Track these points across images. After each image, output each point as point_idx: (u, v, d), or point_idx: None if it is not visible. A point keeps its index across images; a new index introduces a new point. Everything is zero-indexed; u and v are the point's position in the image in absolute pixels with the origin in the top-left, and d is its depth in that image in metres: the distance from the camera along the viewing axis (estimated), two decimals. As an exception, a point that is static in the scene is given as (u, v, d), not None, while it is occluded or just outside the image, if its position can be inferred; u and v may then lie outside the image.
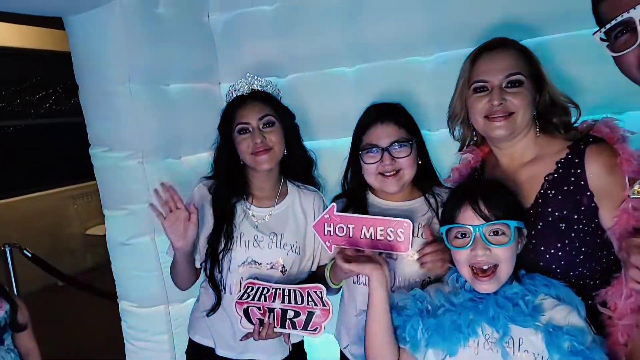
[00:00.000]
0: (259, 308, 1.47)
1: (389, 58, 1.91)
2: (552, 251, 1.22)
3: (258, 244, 1.57)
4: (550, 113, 1.31)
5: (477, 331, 1.11)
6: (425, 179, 1.51)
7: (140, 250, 1.82)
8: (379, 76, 1.93)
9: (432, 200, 1.48)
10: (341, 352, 1.60)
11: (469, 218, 1.14)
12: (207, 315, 1.59)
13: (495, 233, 1.13)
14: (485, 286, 1.13)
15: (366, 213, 1.48)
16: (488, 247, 1.12)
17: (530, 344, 1.07)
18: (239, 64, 2.07)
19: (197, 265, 1.64)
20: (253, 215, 1.62)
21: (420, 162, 1.48)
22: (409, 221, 1.32)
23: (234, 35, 2.10)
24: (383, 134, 1.43)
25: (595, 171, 1.19)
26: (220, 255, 1.56)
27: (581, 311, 1.11)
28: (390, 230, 1.33)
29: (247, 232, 1.58)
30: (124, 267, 1.87)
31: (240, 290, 1.50)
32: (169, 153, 1.86)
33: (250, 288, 1.48)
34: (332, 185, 1.75)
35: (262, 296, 1.47)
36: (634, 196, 1.02)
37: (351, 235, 1.37)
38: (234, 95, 1.64)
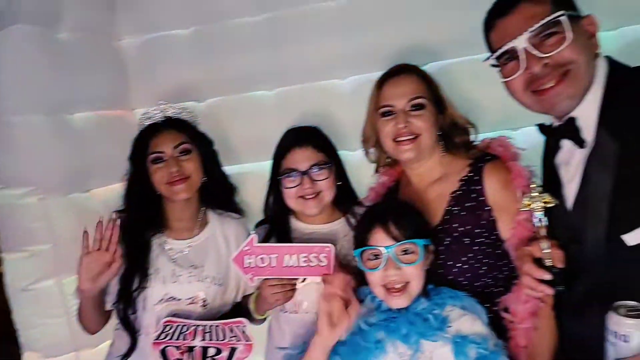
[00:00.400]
0: (177, 347, 1.40)
1: (307, 81, 1.95)
2: (459, 265, 1.28)
3: (176, 279, 1.51)
4: (452, 133, 1.39)
5: (389, 350, 1.13)
6: (345, 199, 1.53)
7: (44, 296, 1.68)
8: (298, 99, 1.96)
9: (352, 221, 1.50)
10: None
11: (380, 239, 1.18)
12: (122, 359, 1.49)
13: (405, 252, 1.17)
14: (398, 301, 1.17)
15: (289, 238, 1.48)
16: (399, 267, 1.16)
17: (441, 357, 1.12)
18: (154, 88, 2.01)
19: (108, 307, 1.54)
20: (170, 249, 1.55)
21: (339, 184, 1.50)
22: (331, 246, 1.34)
23: (148, 59, 2.04)
24: (302, 157, 1.44)
25: (492, 187, 1.28)
26: (134, 295, 1.48)
27: (484, 319, 1.18)
28: (314, 256, 1.33)
29: (163, 267, 1.51)
30: (26, 314, 1.71)
31: (157, 330, 1.42)
32: (75, 187, 1.74)
33: (168, 327, 1.41)
34: (258, 210, 1.70)
35: (181, 334, 1.40)
36: (523, 209, 1.09)
37: (274, 264, 1.36)
38: (147, 123, 1.59)
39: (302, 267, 1.33)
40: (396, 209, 1.25)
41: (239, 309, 1.61)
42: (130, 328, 1.48)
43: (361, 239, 1.22)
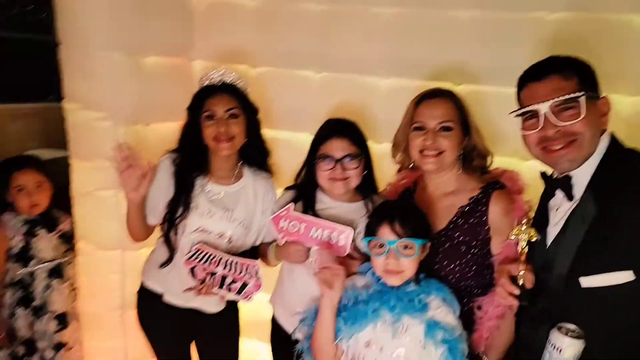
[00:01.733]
0: (203, 269, 1.70)
1: (351, 72, 2.15)
2: (452, 266, 1.54)
3: (211, 217, 1.79)
4: (472, 156, 1.62)
5: (379, 315, 1.41)
6: (366, 187, 1.77)
7: (104, 202, 1.96)
8: (340, 86, 2.16)
9: (369, 206, 1.74)
10: (273, 316, 1.86)
11: (386, 233, 1.42)
12: (160, 267, 1.80)
13: (405, 247, 1.43)
14: (393, 280, 1.44)
15: (314, 207, 1.73)
16: (398, 258, 1.42)
17: (414, 331, 1.39)
18: (215, 45, 2.21)
19: (150, 221, 1.83)
20: (209, 191, 1.82)
21: (365, 173, 1.73)
22: (351, 229, 1.58)
23: (215, 18, 2.22)
24: (338, 147, 1.66)
25: (495, 211, 1.52)
26: (177, 221, 1.77)
27: (457, 313, 1.45)
28: (335, 234, 1.59)
29: (202, 204, 1.79)
30: (87, 213, 2.01)
31: (190, 252, 1.72)
32: (139, 119, 1.99)
33: (200, 252, 1.70)
34: (284, 173, 1.96)
35: (208, 260, 1.70)
36: (513, 236, 1.32)
37: (302, 232, 1.62)
38: (206, 83, 1.81)
39: (324, 241, 1.60)
40: (403, 210, 1.46)
41: (255, 251, 1.90)
42: (170, 245, 1.78)
43: (371, 229, 1.47)
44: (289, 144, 2.19)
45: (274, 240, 1.78)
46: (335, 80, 2.18)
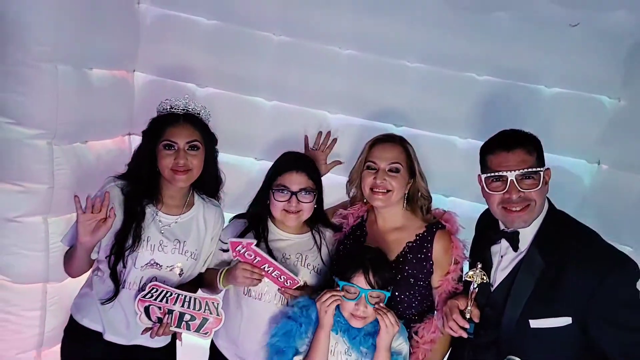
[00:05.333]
0: (159, 308, 1.63)
1: (303, 105, 2.23)
2: (402, 297, 1.71)
3: (162, 249, 1.72)
4: (415, 197, 1.82)
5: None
6: (315, 218, 1.86)
7: (29, 229, 1.75)
8: (290, 116, 2.23)
9: (317, 237, 1.84)
10: (212, 342, 1.85)
11: (361, 282, 1.55)
12: (102, 304, 1.67)
13: (373, 296, 1.57)
14: (357, 324, 1.59)
15: (267, 239, 1.78)
16: (367, 306, 1.56)
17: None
18: (160, 59, 2.13)
19: (93, 256, 1.70)
20: (160, 221, 1.75)
21: (315, 206, 1.83)
22: (300, 281, 1.68)
23: (162, 31, 2.14)
24: (296, 181, 1.74)
25: (437, 248, 1.73)
26: (127, 253, 1.66)
27: (406, 340, 1.64)
28: (284, 277, 1.67)
29: (153, 236, 1.71)
30: (5, 242, 1.76)
31: (138, 288, 1.65)
32: (77, 137, 1.81)
33: (155, 290, 1.63)
34: (230, 198, 1.96)
35: (165, 298, 1.63)
36: (467, 278, 1.54)
37: (255, 262, 1.66)
38: (168, 110, 1.73)
39: (273, 276, 1.68)
40: (377, 262, 1.60)
41: (201, 277, 1.87)
42: (116, 280, 1.67)
43: (347, 275, 1.58)
44: (233, 167, 2.18)
45: (222, 267, 1.78)
46: (286, 110, 2.23)
